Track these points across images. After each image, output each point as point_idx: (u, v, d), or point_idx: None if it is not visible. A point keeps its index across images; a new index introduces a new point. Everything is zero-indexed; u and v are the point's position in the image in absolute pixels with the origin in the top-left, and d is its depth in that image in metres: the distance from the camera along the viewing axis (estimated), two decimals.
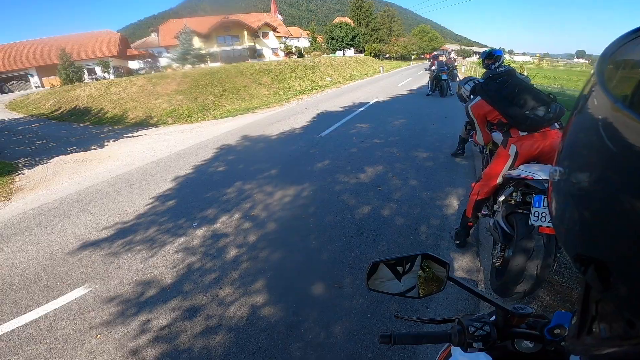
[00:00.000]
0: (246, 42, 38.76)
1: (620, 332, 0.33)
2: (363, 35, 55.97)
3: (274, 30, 43.70)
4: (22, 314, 2.60)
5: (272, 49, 42.85)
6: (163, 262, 3.11)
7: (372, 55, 49.19)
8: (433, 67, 12.42)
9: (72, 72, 26.06)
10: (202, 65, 26.62)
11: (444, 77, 11.86)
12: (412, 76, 22.31)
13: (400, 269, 0.77)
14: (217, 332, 2.23)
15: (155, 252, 3.29)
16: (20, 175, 6.74)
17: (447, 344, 0.84)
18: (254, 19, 42.96)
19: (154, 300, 2.61)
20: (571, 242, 0.36)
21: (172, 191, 4.95)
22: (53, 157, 7.85)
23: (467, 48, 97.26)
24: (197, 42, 32.75)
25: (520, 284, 2.00)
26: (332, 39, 51.37)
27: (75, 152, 8.20)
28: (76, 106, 14.28)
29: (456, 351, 0.76)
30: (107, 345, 2.22)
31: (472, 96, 2.81)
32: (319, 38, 55.56)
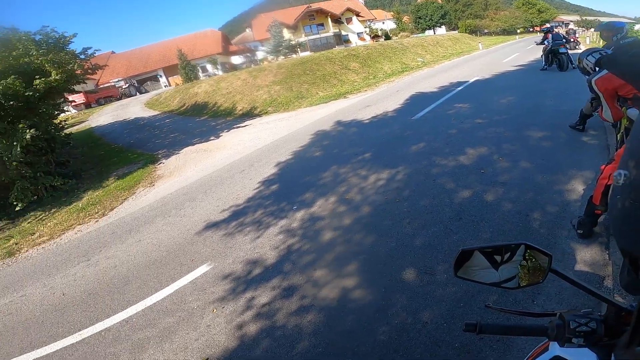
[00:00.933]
0: (331, 29, 39.09)
1: None
2: (454, 12, 51.43)
3: (357, 14, 43.19)
4: (162, 289, 3.16)
5: (357, 33, 42.41)
6: (267, 243, 3.48)
7: (468, 32, 44.47)
8: (547, 40, 11.11)
9: (189, 71, 29.57)
10: (294, 56, 27.85)
11: (562, 50, 10.35)
12: (520, 51, 19.23)
13: (498, 257, 0.74)
14: (309, 311, 2.42)
15: (261, 234, 3.70)
16: (160, 165, 8.23)
17: (546, 339, 0.79)
18: (336, 6, 42.93)
19: (258, 278, 2.94)
20: (631, 246, 0.35)
21: (275, 176, 5.43)
22: (183, 148, 9.33)
23: (589, 18, 78.53)
24: (286, 34, 34.41)
25: None
26: (420, 18, 48.78)
27: (198, 143, 9.58)
28: (196, 102, 16.54)
29: (554, 346, 0.73)
30: (220, 319, 2.58)
31: (596, 69, 2.41)
32: (405, 18, 52.52)
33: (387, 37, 38.98)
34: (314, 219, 3.75)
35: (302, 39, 37.05)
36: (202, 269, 3.30)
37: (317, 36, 38.40)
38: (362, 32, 43.03)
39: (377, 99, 10.41)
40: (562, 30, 13.15)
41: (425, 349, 1.94)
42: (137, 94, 32.17)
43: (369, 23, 47.39)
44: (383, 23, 54.29)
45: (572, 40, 16.31)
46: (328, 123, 8.34)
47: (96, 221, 5.55)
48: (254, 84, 14.88)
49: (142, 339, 2.58)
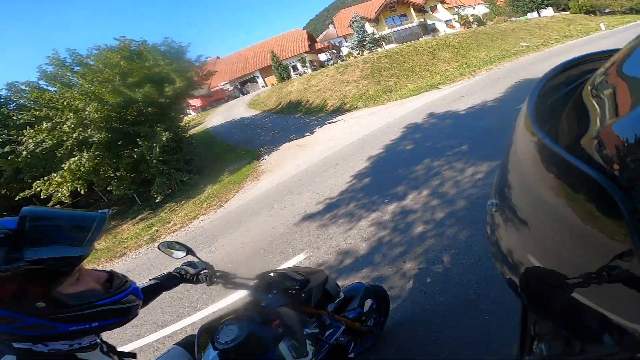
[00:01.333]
0: (415, 19, 36.78)
1: (559, 350, 0.34)
2: None
3: (442, 1, 39.88)
4: None
5: (445, 21, 39.26)
6: (359, 235, 3.68)
7: (584, 11, 36.73)
8: None
9: (282, 71, 31.38)
10: (379, 49, 27.26)
11: None
12: None
13: None
14: (397, 302, 2.49)
15: (353, 225, 3.93)
16: (263, 160, 9.19)
17: None
18: None
19: (349, 268, 3.14)
20: (506, 269, 0.37)
21: (366, 170, 5.62)
22: (281, 145, 10.21)
23: None
24: (369, 28, 33.90)
25: None
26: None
27: (294, 140, 10.36)
28: (290, 100, 17.70)
29: None
30: None
31: None
32: (500, 1, 45.72)
33: (480, 23, 35.24)
34: (405, 212, 3.82)
35: (386, 31, 35.92)
36: (299, 257, 3.64)
37: (401, 27, 36.58)
38: (450, 20, 39.75)
39: (473, 89, 9.66)
40: None
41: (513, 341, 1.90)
42: (240, 95, 35.77)
43: (456, 10, 42.93)
44: (473, 8, 48.66)
45: None
46: (420, 115, 8.13)
47: (215, 212, 6.57)
48: (342, 79, 15.22)
49: None
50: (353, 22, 31.38)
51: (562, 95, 0.34)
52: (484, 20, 37.55)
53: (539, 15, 36.98)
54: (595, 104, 0.27)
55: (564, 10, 40.76)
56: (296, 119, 14.40)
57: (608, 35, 18.90)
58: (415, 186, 4.38)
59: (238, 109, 23.31)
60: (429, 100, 9.95)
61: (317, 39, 45.73)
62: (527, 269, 0.33)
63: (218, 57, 44.48)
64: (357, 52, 29.85)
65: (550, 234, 0.29)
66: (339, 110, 13.05)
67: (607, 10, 41.69)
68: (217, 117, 22.42)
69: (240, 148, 11.70)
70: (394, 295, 2.59)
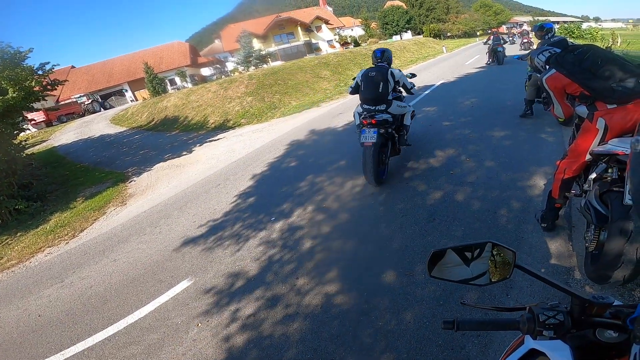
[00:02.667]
0: (301, 37, 39.49)
1: None
2: (418, 17, 53.62)
3: (326, 22, 43.87)
4: (143, 306, 3.13)
5: (327, 41, 43.03)
6: (248, 255, 3.48)
7: (432, 35, 46.41)
8: (489, 42, 14.58)
9: (157, 84, 28.34)
10: (265, 66, 27.82)
11: (500, 49, 13.83)
12: (480, 53, 20.28)
13: (469, 254, 0.78)
14: (294, 319, 2.45)
15: (241, 246, 3.70)
16: (131, 183, 7.99)
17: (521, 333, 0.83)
18: (305, 14, 43.50)
19: (241, 290, 2.95)
20: None
21: (251, 188, 5.42)
22: (154, 165, 9.09)
23: (541, 19, 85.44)
24: (256, 44, 34.22)
25: (618, 270, 1.83)
26: (386, 24, 50.10)
27: (170, 159, 9.37)
28: (166, 116, 16.17)
29: (529, 339, 0.76)
30: (205, 333, 2.57)
31: (547, 67, 2.57)
32: (373, 25, 54.07)
33: (357, 44, 39.78)
34: (293, 229, 3.78)
35: (273, 48, 37.24)
36: (183, 285, 3.28)
37: (288, 45, 38.70)
38: (331, 40, 43.77)
39: (349, 106, 10.58)
40: (517, 31, 16.11)
41: (411, 348, 2.01)
42: (102, 109, 30.95)
43: (338, 30, 48.37)
44: (352, 30, 55.47)
45: (525, 40, 17.93)
46: (302, 132, 8.42)
47: (66, 243, 5.36)
48: (225, 95, 14.75)
49: (128, 356, 2.54)
50: (241, 38, 31.21)
51: None
52: (360, 42, 42.28)
53: (401, 38, 43.76)
54: None
55: (419, 33, 49.76)
56: (172, 136, 13.18)
57: (448, 57, 23.61)
58: (301, 203, 4.42)
59: (98, 125, 20.07)
60: (310, 117, 10.42)
61: (201, 53, 43.85)
62: None
63: (73, 67, 37.97)
64: (242, 67, 29.56)
65: None
66: (222, 128, 12.52)
67: (449, 34, 52.85)
68: (68, 134, 18.77)
69: (99, 170, 9.95)
70: (291, 312, 2.52)
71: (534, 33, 5.98)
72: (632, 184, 0.37)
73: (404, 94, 5.05)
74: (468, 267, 0.78)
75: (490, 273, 0.78)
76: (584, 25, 31.48)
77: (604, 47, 9.19)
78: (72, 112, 27.81)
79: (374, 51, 4.88)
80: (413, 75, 5.17)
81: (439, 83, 11.53)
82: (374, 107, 4.41)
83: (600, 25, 52.09)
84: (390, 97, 4.49)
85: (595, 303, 0.66)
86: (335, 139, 7.23)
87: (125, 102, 34.30)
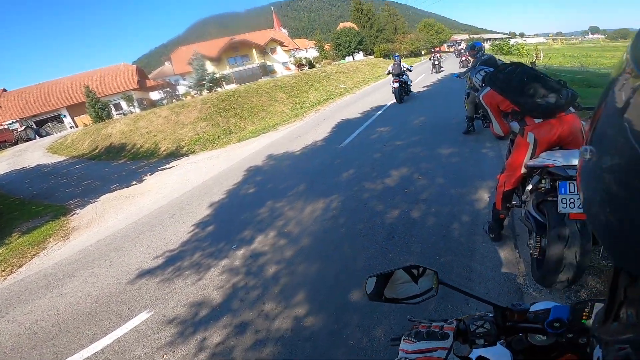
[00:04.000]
0: (256, 60, 39.10)
1: None
2: (369, 38, 56.05)
3: (281, 44, 43.93)
4: (98, 340, 2.93)
5: (282, 63, 43.00)
6: (211, 284, 3.36)
7: (382, 55, 48.94)
8: (433, 57, 21.44)
9: (100, 109, 26.28)
10: (219, 89, 27.17)
11: (436, 62, 20.54)
12: (426, 72, 22.02)
13: (415, 272, 0.84)
14: (266, 344, 2.41)
15: (203, 275, 3.56)
16: (74, 216, 7.36)
17: None
18: (260, 36, 43.19)
19: (207, 319, 2.85)
20: (600, 225, 0.33)
21: (209, 217, 5.26)
22: (100, 196, 8.48)
23: (475, 36, 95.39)
24: (209, 67, 33.13)
25: (561, 273, 1.99)
26: (339, 45, 51.25)
27: (118, 190, 8.81)
28: (111, 143, 15.24)
29: (476, 350, 0.81)
30: None
31: (483, 85, 2.82)
32: (326, 46, 55.87)
33: (311, 66, 40.14)
34: (256, 255, 3.73)
35: (227, 71, 36.35)
36: (142, 316, 3.11)
37: (242, 68, 38.02)
38: (287, 62, 43.84)
39: (305, 129, 10.82)
40: (454, 50, 20.66)
41: None
42: (37, 137, 28.34)
43: (293, 52, 48.89)
44: (306, 52, 56.64)
45: (463, 59, 19.12)
46: (260, 158, 8.39)
47: (4, 279, 4.89)
48: (177, 121, 14.30)
49: None
50: (193, 60, 29.78)
51: None
52: (314, 63, 42.94)
53: (354, 59, 45.14)
54: None
55: (370, 54, 51.95)
56: (119, 165, 12.44)
57: None
58: (262, 229, 4.38)
59: (33, 154, 18.38)
60: (267, 141, 10.41)
61: (150, 76, 41.82)
62: (623, 224, 0.29)
63: (4, 90, 34.49)
64: (195, 91, 28.69)
65: None
66: (174, 155, 12.07)
67: (397, 54, 55.45)
68: None
69: (36, 203, 9.06)
70: (262, 338, 2.48)
71: (467, 52, 6.73)
72: (582, 194, 0.39)
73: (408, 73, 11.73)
74: (417, 284, 0.85)
75: (435, 287, 0.84)
76: (512, 41, 34.81)
77: (530, 62, 10.41)
78: (3, 140, 25.18)
79: (394, 56, 12.34)
80: (409, 69, 12.05)
81: (389, 103, 12.18)
82: (397, 76, 11.35)
83: (525, 40, 58.45)
84: (402, 72, 11.56)
85: (514, 310, 0.73)
86: (294, 163, 7.30)
87: (63, 128, 31.65)
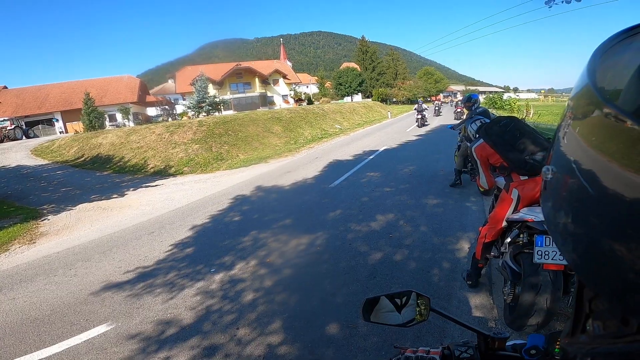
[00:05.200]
0: (257, 89, 39.10)
1: (615, 329, 0.32)
2: (370, 80, 57.16)
3: (284, 77, 43.86)
4: (45, 347, 2.75)
5: (282, 96, 43.00)
6: (182, 304, 3.23)
7: (380, 100, 49.76)
8: (435, 104, 27.77)
9: (94, 118, 26.37)
10: (217, 114, 27.19)
11: (436, 107, 26.12)
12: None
13: (398, 301, 0.89)
14: None
15: (175, 295, 3.42)
16: (45, 221, 7.06)
17: None
18: (265, 66, 43.22)
19: (174, 338, 2.72)
20: (563, 243, 0.35)
21: (190, 239, 5.14)
22: (77, 205, 8.21)
23: (472, 88, 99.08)
24: (211, 90, 33.20)
25: (532, 317, 2.10)
26: (340, 84, 51.85)
27: (97, 200, 8.56)
28: (98, 154, 15.02)
29: None
30: None
31: (477, 136, 2.95)
32: (327, 84, 56.44)
33: (310, 102, 40.43)
34: (234, 281, 3.63)
35: (228, 96, 36.28)
36: (101, 329, 2.95)
37: (243, 95, 38.10)
38: (287, 95, 43.78)
39: (297, 165, 10.95)
40: (447, 100, 22.76)
41: None
42: (24, 137, 27.66)
43: (294, 86, 48.97)
44: (307, 87, 57.28)
45: (458, 110, 19.57)
46: (248, 188, 8.38)
47: None
48: (170, 140, 14.32)
49: None
50: (197, 81, 29.71)
51: (626, 63, 0.32)
52: (313, 100, 43.37)
53: (352, 100, 45.72)
54: None
55: (368, 97, 52.87)
56: (103, 176, 12.19)
57: (392, 122, 25.79)
58: (243, 256, 4.30)
59: (16, 154, 17.84)
60: (258, 173, 10.44)
61: (151, 91, 41.59)
62: (587, 243, 0.31)
63: (5, 87, 34.11)
64: (193, 112, 28.61)
65: (611, 201, 0.27)
66: (162, 174, 11.94)
67: (394, 99, 57.21)
68: None
69: (8, 203, 8.69)
70: None
71: (463, 104, 6.84)
72: (544, 210, 0.41)
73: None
74: (399, 314, 0.90)
75: (416, 318, 0.89)
76: (505, 96, 36.06)
77: (520, 118, 10.85)
78: None
79: (417, 100, 14.85)
80: (426, 109, 19.15)
81: (382, 149, 12.54)
82: (419, 112, 19.13)
83: (517, 95, 60.61)
84: (422, 109, 19.28)
85: (495, 338, 0.77)
86: (282, 197, 7.32)
87: (53, 132, 30.95)
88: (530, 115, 19.61)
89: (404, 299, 0.89)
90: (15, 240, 5.93)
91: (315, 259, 4.03)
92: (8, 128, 26.73)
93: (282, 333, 2.65)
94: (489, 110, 5.72)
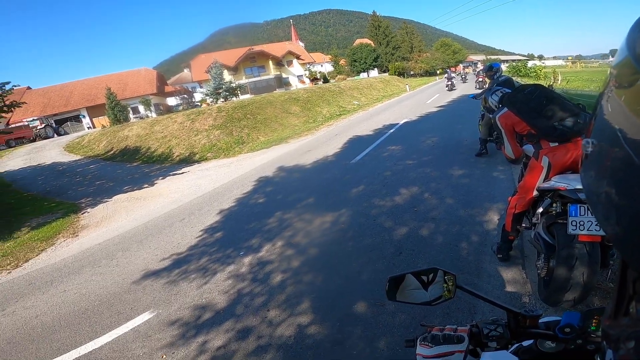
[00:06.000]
0: (272, 71, 39.25)
1: None
2: (385, 55, 56.18)
3: (298, 57, 43.94)
4: (97, 337, 2.96)
5: (297, 76, 43.07)
6: (215, 288, 3.38)
7: (397, 73, 49.02)
8: (461, 73, 27.93)
9: (118, 112, 27.21)
10: (234, 99, 27.55)
11: (448, 82, 23.19)
12: (440, 92, 22.21)
13: (425, 278, 0.86)
14: (267, 351, 2.41)
15: (208, 280, 3.58)
16: (85, 214, 7.50)
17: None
18: (277, 48, 43.44)
19: (210, 322, 2.86)
20: (605, 217, 0.33)
21: (218, 223, 5.31)
22: (112, 196, 8.63)
23: (492, 57, 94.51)
24: (227, 75, 33.56)
25: (568, 292, 2.01)
26: (355, 61, 51.48)
27: (130, 191, 8.96)
28: (126, 146, 15.59)
29: (484, 354, 0.82)
30: None
31: (500, 106, 2.83)
32: (342, 61, 55.85)
33: (326, 80, 40.42)
34: (262, 263, 3.74)
35: (243, 81, 36.63)
36: (145, 317, 3.13)
37: (258, 78, 38.33)
38: (302, 75, 43.86)
39: (317, 144, 10.92)
40: (470, 70, 22.59)
41: None
42: (55, 135, 29.07)
43: (308, 66, 49.13)
44: (322, 66, 57.03)
45: (480, 79, 18.38)
46: (270, 169, 8.48)
47: (8, 272, 4.99)
48: (192, 127, 14.60)
49: None
50: (212, 68, 30.14)
51: None
52: (329, 78, 43.22)
53: (368, 76, 45.20)
54: None
55: (384, 71, 52.15)
56: (133, 168, 12.68)
57: (411, 95, 25.23)
58: (269, 238, 4.40)
59: (49, 152, 18.83)
60: (279, 153, 10.52)
61: (169, 82, 42.54)
62: (631, 217, 0.29)
63: (29, 88, 35.78)
64: (211, 99, 29.09)
65: None
66: (187, 161, 12.27)
67: (412, 72, 56.16)
68: (15, 160, 17.42)
69: (48, 199, 9.27)
70: (264, 344, 2.48)
71: (484, 73, 6.59)
72: (584, 181, 0.40)
73: None
74: (426, 292, 0.87)
75: (444, 296, 0.86)
76: (530, 64, 34.49)
77: (547, 85, 10.29)
78: (22, 137, 25.82)
79: (446, 70, 17.35)
80: (454, 76, 23.96)
81: (402, 122, 12.26)
82: (448, 79, 23.27)
83: (543, 63, 57.91)
84: (451, 77, 23.60)
85: (526, 315, 0.75)
86: (304, 176, 7.36)
87: (81, 128, 32.42)
88: (559, 82, 18.53)
89: (430, 276, 0.87)
90: (59, 234, 6.36)
91: (340, 237, 4.06)
92: (39, 127, 28.14)
93: (310, 313, 2.73)
94: (512, 78, 5.55)
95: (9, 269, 5.07)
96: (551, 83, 15.08)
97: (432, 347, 0.78)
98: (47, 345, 2.96)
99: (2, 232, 6.77)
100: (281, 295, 3.04)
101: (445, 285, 0.86)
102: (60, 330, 3.17)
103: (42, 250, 5.64)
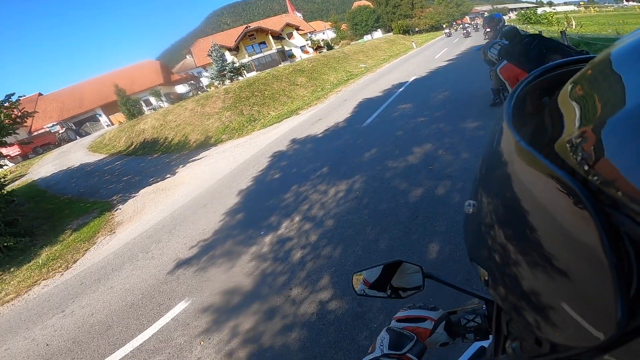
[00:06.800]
0: (273, 46, 38.80)
1: (530, 349, 0.33)
2: (386, 15, 54.69)
3: (297, 29, 43.24)
4: (145, 329, 3.20)
5: (300, 47, 42.32)
6: (240, 272, 3.55)
7: (401, 32, 47.39)
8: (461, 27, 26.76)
9: (131, 106, 27.39)
10: (240, 78, 27.30)
11: (464, 31, 25.27)
12: (449, 45, 20.93)
13: (390, 271, 0.83)
14: (292, 329, 2.54)
15: (234, 263, 3.76)
16: (117, 211, 7.91)
17: None
18: (275, 22, 43.09)
19: (238, 306, 3.04)
20: (480, 269, 0.36)
21: (238, 205, 5.47)
22: (139, 190, 9.01)
23: (499, 7, 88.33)
24: (229, 56, 33.31)
25: None
26: (356, 24, 50.83)
27: (155, 183, 9.29)
28: (144, 139, 15.95)
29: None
30: (209, 350, 2.65)
31: (500, 58, 2.73)
32: (343, 26, 54.40)
33: (329, 47, 39.61)
34: (282, 241, 3.87)
35: (246, 59, 36.43)
36: (181, 306, 3.35)
37: (261, 55, 38.01)
38: (304, 45, 43.10)
39: (327, 111, 10.75)
40: (479, 21, 21.86)
41: None
42: (77, 137, 30.14)
43: (309, 35, 48.22)
44: (323, 33, 55.52)
45: (488, 30, 17.92)
46: (283, 143, 8.50)
47: (61, 274, 5.39)
48: (203, 112, 14.67)
49: None
50: (212, 52, 30.04)
51: (537, 99, 0.34)
52: (332, 44, 42.27)
53: (372, 37, 43.98)
54: (570, 109, 0.27)
55: (388, 31, 50.53)
56: (154, 159, 13.04)
57: (419, 52, 24.27)
58: (287, 214, 4.50)
59: (75, 154, 19.64)
60: (290, 126, 10.50)
61: (173, 70, 42.89)
62: (498, 269, 0.32)
63: (40, 94, 36.76)
64: (217, 82, 29.02)
65: (523, 237, 0.28)
66: (203, 146, 12.46)
67: (417, 29, 54.07)
68: (46, 166, 18.35)
69: (84, 200, 9.80)
70: (289, 323, 2.60)
71: (487, 24, 6.25)
72: (466, 243, 0.41)
73: None
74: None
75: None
76: (539, 10, 32.77)
77: (560, 31, 9.56)
78: (47, 143, 26.99)
79: (464, 24, 20.71)
80: (469, 25, 29.01)
81: (411, 79, 11.80)
82: (464, 30, 26.44)
83: (554, 9, 54.16)
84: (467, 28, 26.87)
85: None
86: (316, 146, 7.34)
87: (100, 127, 33.29)
88: (573, 27, 17.01)
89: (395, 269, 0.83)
90: (99, 232, 6.79)
91: (355, 205, 4.09)
92: (60, 131, 29.17)
93: (330, 288, 2.83)
94: (519, 27, 5.27)
95: (61, 272, 5.50)
96: (564, 28, 14.01)
97: (406, 309, 0.79)
98: (105, 341, 3.22)
99: (50, 237, 7.30)
100: (302, 272, 3.15)
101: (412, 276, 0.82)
102: (114, 326, 3.43)
103: (86, 251, 6.06)
